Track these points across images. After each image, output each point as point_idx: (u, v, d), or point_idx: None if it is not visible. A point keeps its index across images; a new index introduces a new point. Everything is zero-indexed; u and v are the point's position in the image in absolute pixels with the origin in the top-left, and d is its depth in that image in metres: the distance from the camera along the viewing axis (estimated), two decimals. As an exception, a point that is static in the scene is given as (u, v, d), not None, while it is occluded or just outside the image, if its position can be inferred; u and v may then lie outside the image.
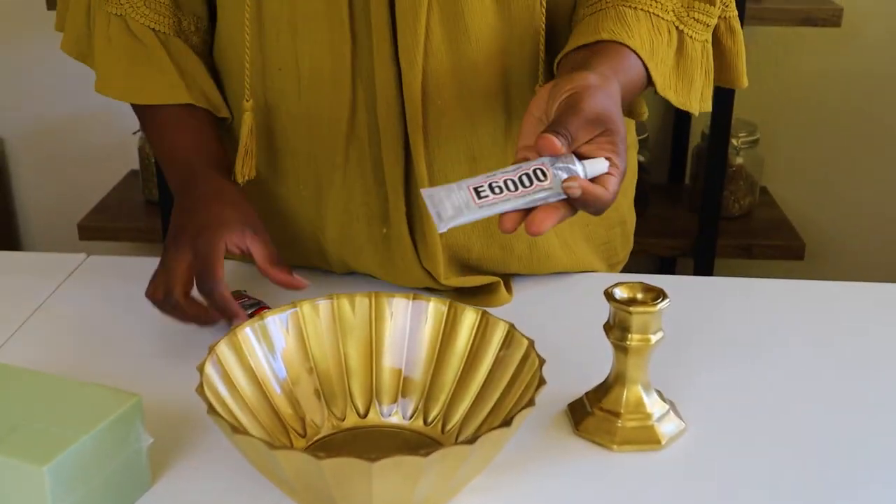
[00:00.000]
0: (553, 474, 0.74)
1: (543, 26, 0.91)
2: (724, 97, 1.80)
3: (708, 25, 0.92)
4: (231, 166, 0.97)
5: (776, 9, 1.80)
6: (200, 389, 0.67)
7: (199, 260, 0.86)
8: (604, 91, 0.77)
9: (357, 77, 0.92)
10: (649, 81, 0.88)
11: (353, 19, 0.90)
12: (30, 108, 2.23)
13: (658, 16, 0.88)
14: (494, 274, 1.01)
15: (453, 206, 0.73)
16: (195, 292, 0.86)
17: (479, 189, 0.73)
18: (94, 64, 1.00)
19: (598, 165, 0.74)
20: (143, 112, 1.00)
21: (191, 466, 0.74)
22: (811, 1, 1.86)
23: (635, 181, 1.12)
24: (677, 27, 0.90)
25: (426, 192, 0.74)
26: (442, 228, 0.73)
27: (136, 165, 2.16)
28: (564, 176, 0.73)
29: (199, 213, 0.90)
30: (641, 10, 0.87)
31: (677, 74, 0.91)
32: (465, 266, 1.01)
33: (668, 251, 1.99)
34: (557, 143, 0.72)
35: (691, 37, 0.91)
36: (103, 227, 2.03)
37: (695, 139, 2.12)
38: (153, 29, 0.96)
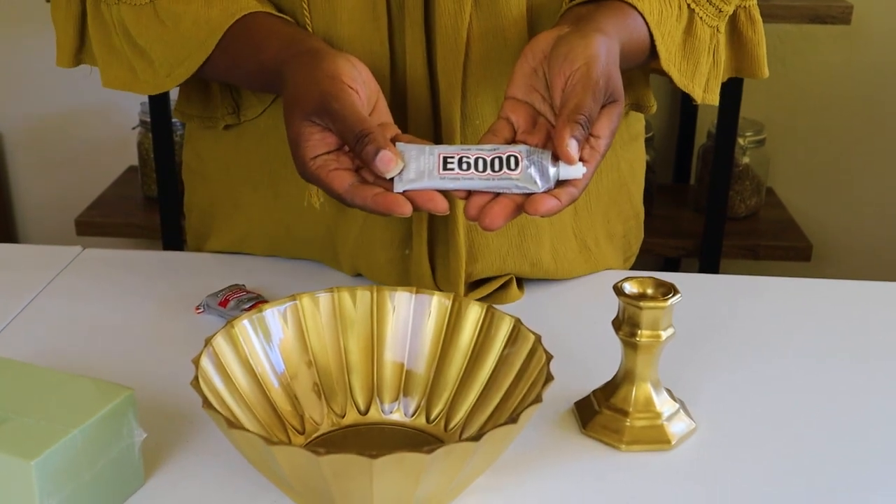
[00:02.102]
0: (559, 474, 0.72)
1: None
2: (731, 96, 1.78)
3: (721, 11, 0.90)
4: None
5: (785, 6, 1.77)
6: (196, 383, 0.64)
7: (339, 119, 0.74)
8: (610, 57, 0.75)
9: (394, 93, 0.89)
10: (652, 54, 0.86)
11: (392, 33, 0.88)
12: (28, 103, 2.21)
13: None
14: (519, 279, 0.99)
15: (417, 170, 0.73)
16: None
17: (448, 159, 0.73)
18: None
19: (573, 171, 0.73)
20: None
21: (185, 462, 0.72)
22: (820, -2, 1.84)
23: (644, 171, 1.11)
24: (689, 6, 0.88)
25: (401, 146, 0.74)
26: (398, 188, 0.73)
27: (134, 161, 2.14)
28: (534, 173, 0.72)
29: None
30: None
31: (683, 53, 0.89)
32: (487, 280, 0.97)
33: (673, 251, 1.97)
34: (573, 152, 0.71)
35: (702, 18, 0.89)
36: (101, 222, 2.02)
37: (700, 139, 2.10)
38: None
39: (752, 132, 1.99)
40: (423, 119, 0.89)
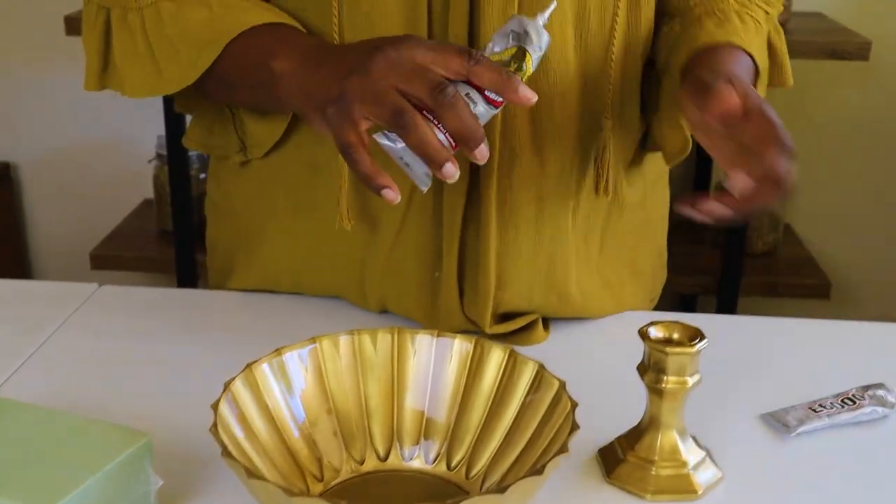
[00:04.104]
0: (584, 524, 0.70)
1: (615, 61, 0.90)
2: (749, 132, 1.76)
3: (767, 13, 0.95)
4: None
5: (803, 41, 1.77)
6: (214, 429, 0.63)
7: (432, 49, 0.73)
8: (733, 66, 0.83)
9: None
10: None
11: None
12: (44, 135, 2.21)
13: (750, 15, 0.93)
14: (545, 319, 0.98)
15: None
16: None
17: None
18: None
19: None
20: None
21: (202, 510, 0.71)
22: (838, 33, 1.83)
23: (668, 211, 1.10)
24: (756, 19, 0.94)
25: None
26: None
27: (150, 194, 2.14)
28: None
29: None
30: (735, 12, 0.92)
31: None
32: (514, 313, 0.96)
33: (690, 289, 1.95)
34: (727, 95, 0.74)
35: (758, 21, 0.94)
36: (116, 256, 2.01)
37: (717, 174, 2.09)
38: None
39: (769, 168, 1.97)
40: None
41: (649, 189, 1.03)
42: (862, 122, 2.08)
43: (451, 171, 0.71)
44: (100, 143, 2.20)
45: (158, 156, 2.03)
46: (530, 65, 0.75)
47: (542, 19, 0.74)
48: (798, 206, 2.13)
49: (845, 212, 2.15)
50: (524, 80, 0.74)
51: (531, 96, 0.72)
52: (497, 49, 0.75)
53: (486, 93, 0.73)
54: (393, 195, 0.73)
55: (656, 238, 1.08)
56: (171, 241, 1.93)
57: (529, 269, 0.94)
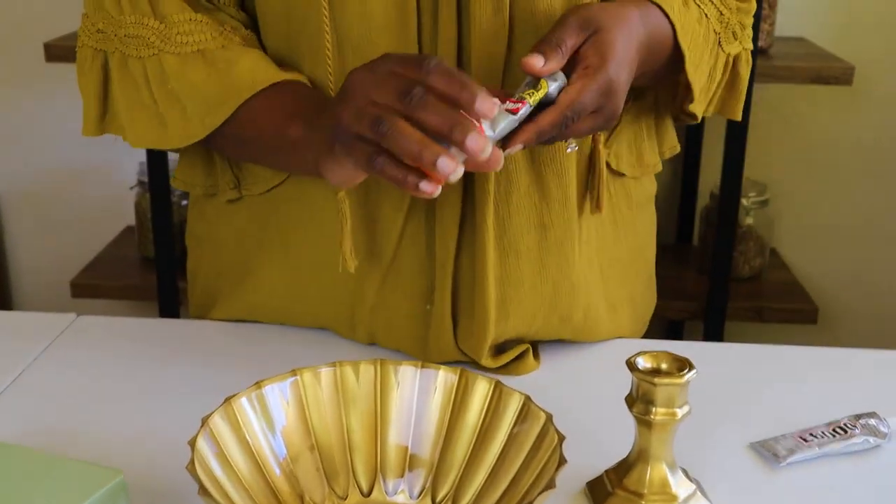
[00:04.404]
0: (572, 560, 0.69)
1: None
2: (734, 155, 1.76)
3: (722, 14, 0.92)
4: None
5: (786, 66, 1.77)
6: (191, 467, 0.61)
7: (407, 56, 0.73)
8: (597, 5, 0.80)
9: None
10: (675, 49, 0.87)
11: None
12: (25, 163, 2.19)
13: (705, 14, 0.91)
14: (542, 341, 0.97)
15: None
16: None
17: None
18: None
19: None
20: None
21: (179, 549, 0.69)
22: (822, 59, 1.83)
23: (655, 235, 1.09)
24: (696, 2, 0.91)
25: None
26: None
27: (132, 221, 2.12)
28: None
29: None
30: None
31: (695, 41, 0.90)
32: (512, 340, 0.95)
33: (676, 314, 1.94)
34: (535, 59, 0.75)
35: (707, 16, 0.91)
36: (96, 285, 1.99)
37: (703, 199, 2.08)
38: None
39: (754, 192, 1.97)
40: None
41: (638, 212, 1.02)
42: (846, 146, 2.08)
43: (445, 167, 0.68)
44: (81, 170, 2.18)
45: (140, 182, 2.01)
46: (545, 86, 0.76)
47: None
48: (784, 230, 2.12)
49: (831, 236, 2.15)
50: (537, 98, 0.76)
51: (490, 106, 0.70)
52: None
53: (504, 105, 0.74)
54: (430, 187, 0.70)
55: (647, 263, 1.07)
56: (153, 267, 1.91)
57: (533, 296, 0.92)
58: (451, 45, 0.84)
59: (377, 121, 0.69)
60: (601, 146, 0.91)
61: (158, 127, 0.90)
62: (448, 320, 0.91)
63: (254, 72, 0.86)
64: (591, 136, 0.91)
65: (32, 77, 2.09)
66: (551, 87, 0.77)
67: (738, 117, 0.99)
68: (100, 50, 0.91)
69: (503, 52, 0.84)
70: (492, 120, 0.73)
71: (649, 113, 0.98)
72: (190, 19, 0.87)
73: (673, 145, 1.02)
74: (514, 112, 0.75)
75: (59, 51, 1.77)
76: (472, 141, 0.68)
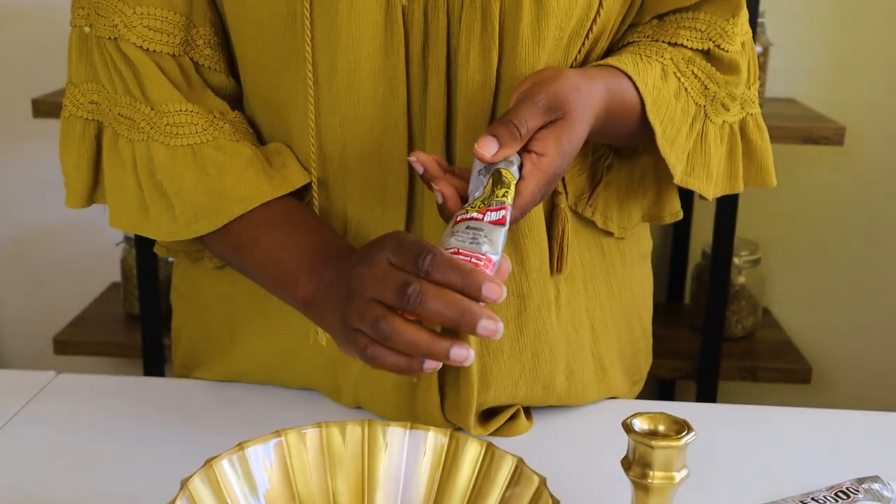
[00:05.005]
0: None
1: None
2: (726, 214, 1.76)
3: (707, 88, 0.89)
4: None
5: (778, 126, 1.77)
6: (169, 533, 0.58)
7: (404, 246, 0.70)
8: (569, 83, 0.75)
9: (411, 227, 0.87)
10: (642, 119, 0.85)
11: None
12: (9, 217, 2.17)
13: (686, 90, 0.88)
14: (527, 407, 0.95)
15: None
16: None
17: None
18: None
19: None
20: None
21: None
22: (813, 119, 1.83)
23: (651, 292, 1.07)
24: (675, 74, 0.88)
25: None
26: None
27: (117, 278, 2.10)
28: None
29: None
30: (663, 65, 0.87)
31: (668, 116, 0.87)
32: (499, 408, 0.93)
33: (669, 373, 1.92)
34: (483, 141, 0.73)
35: (687, 90, 0.88)
36: (80, 341, 1.96)
37: (694, 258, 2.07)
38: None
39: (747, 252, 1.96)
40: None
41: (634, 268, 1.00)
42: (837, 206, 2.08)
43: (458, 355, 0.67)
44: (67, 226, 2.16)
45: (126, 238, 2.00)
46: (511, 178, 0.74)
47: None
48: (776, 289, 2.11)
49: (823, 295, 2.14)
50: (512, 195, 0.73)
51: (499, 292, 0.67)
52: (478, 194, 0.74)
53: (485, 217, 0.71)
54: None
55: (642, 320, 1.05)
56: (138, 324, 1.89)
57: (512, 365, 0.90)
58: (440, 118, 0.83)
59: (375, 322, 0.68)
60: (565, 212, 0.90)
61: (139, 212, 0.88)
62: (435, 393, 0.89)
63: (242, 181, 0.85)
64: (551, 197, 0.89)
65: (19, 133, 2.08)
66: (514, 172, 0.74)
67: (772, 184, 0.97)
68: (93, 121, 0.89)
69: (489, 120, 0.83)
70: (491, 242, 0.71)
71: (644, 176, 0.96)
72: (180, 110, 0.86)
73: (675, 211, 1.00)
74: (501, 222, 0.72)
75: (47, 106, 1.76)
76: (482, 328, 0.66)
